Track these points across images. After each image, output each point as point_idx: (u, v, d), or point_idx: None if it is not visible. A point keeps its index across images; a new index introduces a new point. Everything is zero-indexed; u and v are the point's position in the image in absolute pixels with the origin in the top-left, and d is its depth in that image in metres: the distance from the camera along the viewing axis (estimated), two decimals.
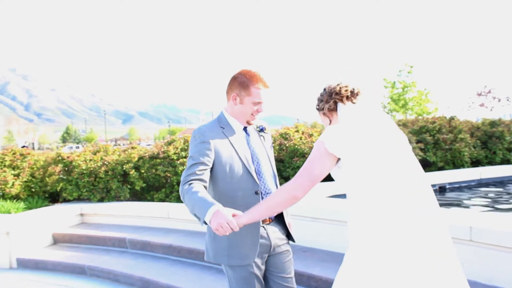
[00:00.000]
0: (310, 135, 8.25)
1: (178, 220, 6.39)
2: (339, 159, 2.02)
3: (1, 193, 7.59)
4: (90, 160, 7.89)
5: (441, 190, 8.07)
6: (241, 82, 2.57)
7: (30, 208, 7.33)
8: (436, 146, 9.18)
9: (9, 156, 7.94)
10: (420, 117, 11.89)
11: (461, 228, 3.70)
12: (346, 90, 2.15)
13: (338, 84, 2.19)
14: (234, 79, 2.61)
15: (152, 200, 7.77)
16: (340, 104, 2.15)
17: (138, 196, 8.10)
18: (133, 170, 7.71)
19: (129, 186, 7.83)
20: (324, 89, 2.25)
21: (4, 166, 7.79)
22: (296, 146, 7.70)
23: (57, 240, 6.65)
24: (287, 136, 8.15)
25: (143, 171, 7.84)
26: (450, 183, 8.24)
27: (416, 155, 8.07)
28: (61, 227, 6.81)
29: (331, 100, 2.18)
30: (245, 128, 2.68)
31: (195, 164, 2.46)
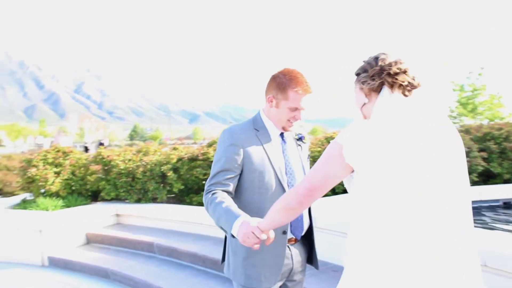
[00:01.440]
0: None
1: (210, 226, 6.11)
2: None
3: (42, 190, 7.67)
4: (129, 160, 7.80)
5: (506, 205, 7.27)
6: (279, 83, 2.24)
7: (68, 206, 7.34)
8: (502, 155, 8.29)
9: (52, 154, 8.01)
10: (485, 123, 10.91)
11: None
12: (403, 75, 1.59)
13: (396, 61, 1.62)
14: (273, 78, 2.28)
15: (191, 202, 7.54)
16: (385, 89, 1.60)
17: (177, 198, 7.92)
18: (171, 172, 7.52)
19: (167, 188, 7.67)
20: (376, 59, 1.66)
21: (47, 163, 7.86)
22: None
23: (90, 240, 6.58)
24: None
25: (182, 172, 7.64)
26: None
27: (477, 165, 7.36)
28: (95, 227, 6.74)
29: (378, 78, 1.61)
30: (281, 134, 2.33)
31: (222, 172, 2.18)
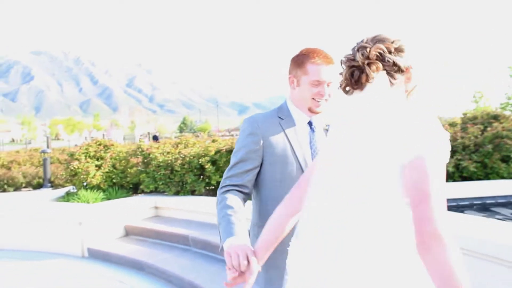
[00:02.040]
0: None
1: (245, 219, 6.01)
2: None
3: (84, 183, 7.83)
4: (168, 153, 7.83)
5: None
6: (297, 60, 2.08)
7: (108, 199, 7.46)
8: None
9: (93, 147, 8.18)
10: None
11: None
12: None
13: (345, 60, 1.43)
14: (292, 58, 2.12)
15: None
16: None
17: (215, 190, 7.87)
18: (209, 164, 7.48)
19: (206, 180, 7.64)
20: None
21: (89, 156, 8.03)
22: None
23: (129, 232, 6.65)
24: None
25: (220, 164, 7.59)
26: None
27: None
28: (134, 219, 6.80)
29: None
30: (310, 123, 2.12)
31: (239, 163, 2.02)
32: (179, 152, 7.85)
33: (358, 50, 1.39)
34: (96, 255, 6.04)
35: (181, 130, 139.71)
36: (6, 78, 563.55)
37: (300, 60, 2.05)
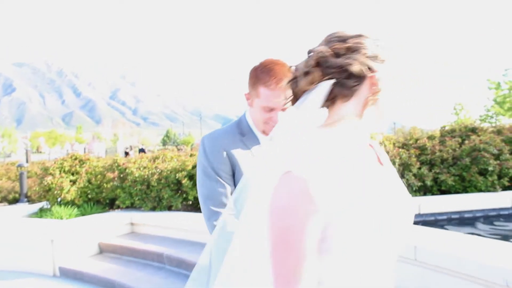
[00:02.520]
0: (380, 143, 7.34)
1: None
2: None
3: (59, 199, 7.65)
4: (145, 167, 7.70)
5: None
6: (251, 78, 1.89)
7: (83, 215, 7.29)
8: None
9: (68, 162, 8.01)
10: None
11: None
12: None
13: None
14: (250, 72, 1.91)
15: None
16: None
17: (193, 205, 7.76)
18: (186, 179, 7.37)
19: (183, 196, 7.52)
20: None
21: (63, 171, 7.86)
22: None
23: (103, 250, 6.48)
24: None
25: None
26: None
27: (508, 168, 6.90)
28: (109, 236, 6.63)
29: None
30: None
31: (213, 187, 1.81)
32: (155, 167, 7.73)
33: (308, 57, 1.13)
34: (67, 274, 5.86)
35: (164, 143, 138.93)
36: None
37: (253, 81, 1.86)
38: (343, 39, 1.11)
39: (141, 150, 32.73)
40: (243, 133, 1.92)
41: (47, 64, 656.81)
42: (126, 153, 30.17)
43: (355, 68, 1.07)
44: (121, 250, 6.28)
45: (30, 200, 13.76)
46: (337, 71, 1.07)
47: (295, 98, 1.15)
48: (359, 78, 1.09)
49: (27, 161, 25.05)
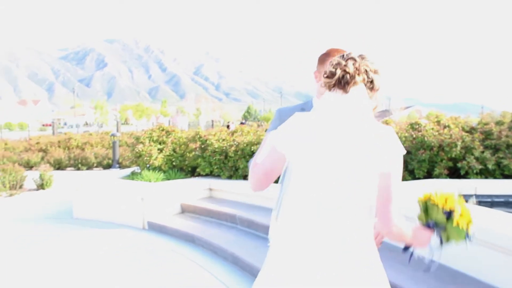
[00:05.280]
0: (446, 127, 7.57)
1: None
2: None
3: (147, 164, 8.67)
4: (223, 140, 8.49)
5: None
6: (321, 57, 2.31)
7: (168, 179, 8.25)
8: None
9: (156, 132, 9.00)
10: None
11: None
12: (329, 76, 1.73)
13: (336, 61, 1.74)
14: (320, 55, 2.34)
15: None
16: (326, 90, 1.76)
17: None
18: None
19: None
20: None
21: (152, 140, 8.85)
22: (425, 138, 7.17)
23: (184, 210, 7.39)
24: (417, 126, 7.63)
25: None
26: None
27: None
28: (190, 199, 7.52)
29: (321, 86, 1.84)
30: None
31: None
32: (233, 139, 8.49)
33: (348, 60, 1.71)
34: (154, 228, 6.81)
35: (245, 118, 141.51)
36: (82, 64, 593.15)
37: (322, 58, 2.29)
38: (372, 62, 1.76)
39: (242, 123, 34.35)
40: (304, 109, 2.35)
41: (135, 41, 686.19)
42: (228, 126, 31.81)
43: (377, 84, 1.75)
44: (200, 211, 7.14)
45: (121, 166, 15.25)
46: (370, 81, 1.73)
47: (343, 84, 1.72)
48: (373, 90, 1.75)
49: (116, 131, 27.02)
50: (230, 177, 8.26)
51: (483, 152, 6.95)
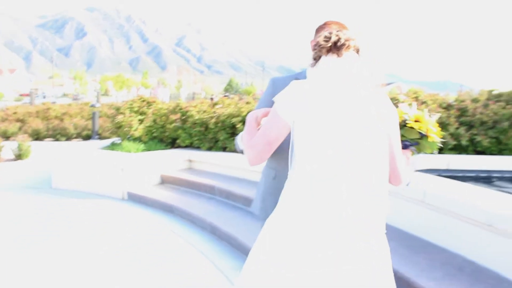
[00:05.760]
0: (423, 103, 7.69)
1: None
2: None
3: (127, 135, 8.66)
4: (204, 111, 8.50)
5: None
6: (317, 28, 2.36)
7: (148, 150, 8.26)
8: None
9: (137, 103, 8.96)
10: None
11: None
12: (326, 40, 1.82)
13: (325, 35, 1.85)
14: (318, 26, 2.39)
15: None
16: (322, 57, 1.84)
17: None
18: (241, 124, 8.10)
19: None
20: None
21: (133, 111, 8.82)
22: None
23: (164, 181, 7.44)
24: (394, 102, 7.72)
25: None
26: None
27: None
28: (170, 170, 7.56)
29: (316, 53, 1.88)
30: None
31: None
32: (214, 111, 8.51)
33: (340, 30, 1.86)
34: (134, 198, 6.86)
35: (226, 91, 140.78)
36: (61, 33, 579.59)
37: (319, 28, 2.34)
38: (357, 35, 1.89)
39: (226, 96, 34.52)
40: (298, 79, 2.25)
41: (116, 10, 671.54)
42: (211, 99, 31.91)
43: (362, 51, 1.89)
44: (179, 182, 7.20)
45: (101, 137, 15.17)
46: (358, 49, 1.86)
47: (337, 48, 1.83)
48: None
49: (96, 102, 26.65)
50: (210, 149, 8.31)
51: (457, 128, 7.12)
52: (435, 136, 2.11)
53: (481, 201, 3.65)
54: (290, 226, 1.70)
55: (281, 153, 2.09)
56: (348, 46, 1.81)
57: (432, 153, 2.12)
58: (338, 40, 1.81)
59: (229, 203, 6.17)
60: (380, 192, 1.70)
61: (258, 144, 1.82)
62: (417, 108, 2.17)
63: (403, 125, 2.08)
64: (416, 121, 2.12)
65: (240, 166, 7.11)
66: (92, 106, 15.14)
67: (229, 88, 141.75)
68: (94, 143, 12.86)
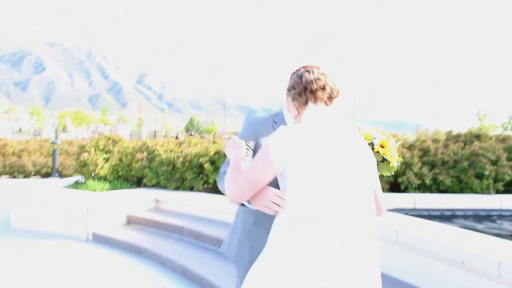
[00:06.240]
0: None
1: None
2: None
3: (93, 174, 8.48)
4: (171, 151, 8.46)
5: None
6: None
7: (113, 189, 8.10)
8: None
9: (102, 141, 8.84)
10: None
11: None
12: (322, 91, 1.90)
13: (315, 79, 1.92)
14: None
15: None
16: (310, 103, 1.92)
17: (213, 188, 8.49)
18: (208, 164, 8.10)
19: (204, 179, 8.26)
20: (301, 77, 1.98)
21: (98, 149, 8.68)
22: None
23: (130, 221, 7.29)
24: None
25: (218, 165, 8.21)
26: None
27: (504, 174, 7.42)
28: (136, 210, 7.43)
29: (304, 96, 1.93)
30: None
31: None
32: (181, 151, 8.49)
33: (325, 76, 1.96)
34: (99, 240, 6.67)
35: (187, 130, 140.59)
36: (18, 67, 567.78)
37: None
38: (315, 79, 1.97)
39: (191, 135, 34.42)
40: (276, 120, 2.42)
41: (77, 46, 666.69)
42: (177, 137, 31.77)
43: (324, 97, 1.97)
44: (146, 222, 7.07)
45: (61, 175, 14.76)
46: (314, 97, 1.95)
47: (331, 98, 1.98)
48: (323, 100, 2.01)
49: (56, 139, 26.08)
50: (177, 188, 8.24)
51: (421, 168, 7.38)
52: (395, 162, 2.31)
53: (454, 240, 3.77)
54: (283, 261, 1.75)
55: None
56: (337, 94, 1.94)
57: (387, 175, 2.35)
58: (332, 91, 1.92)
59: (199, 244, 6.09)
60: (371, 225, 1.80)
61: (244, 183, 1.87)
62: (382, 133, 2.39)
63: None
64: (381, 146, 2.31)
65: (208, 207, 7.07)
66: (53, 143, 14.74)
67: (190, 127, 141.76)
68: (55, 181, 12.46)
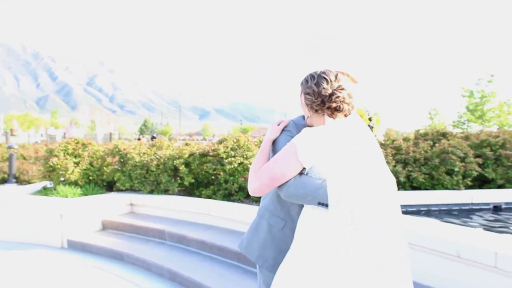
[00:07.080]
0: None
1: (217, 217, 6.58)
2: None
3: (62, 179, 8.19)
4: (144, 153, 8.30)
5: (495, 209, 7.64)
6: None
7: (85, 194, 7.85)
8: (497, 162, 8.64)
9: (72, 145, 8.55)
10: (485, 131, 11.24)
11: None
12: (342, 108, 1.99)
13: (334, 93, 1.98)
14: None
15: (200, 195, 7.99)
16: (327, 117, 2.01)
17: (187, 191, 8.39)
18: (183, 166, 8.00)
19: (179, 181, 8.15)
20: (318, 86, 2.02)
21: (67, 154, 8.39)
22: None
23: (106, 227, 7.09)
24: None
25: (193, 167, 8.12)
26: (507, 203, 7.74)
27: (472, 170, 7.74)
28: (111, 215, 7.24)
29: (321, 110, 2.02)
30: None
31: None
32: (154, 153, 8.34)
33: (347, 91, 2.04)
34: (75, 247, 6.45)
35: (141, 132, 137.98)
36: None
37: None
38: (333, 94, 2.06)
39: (153, 138, 33.69)
40: (297, 123, 2.40)
41: (22, 46, 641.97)
42: (139, 139, 31.14)
43: (343, 113, 2.13)
44: (124, 227, 6.90)
45: (19, 181, 14.13)
46: (332, 113, 2.07)
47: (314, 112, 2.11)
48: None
49: (6, 143, 25.03)
50: (151, 192, 8.07)
51: (395, 166, 7.59)
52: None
53: (449, 234, 3.90)
54: (314, 256, 1.89)
55: (294, 204, 2.22)
56: (353, 108, 2.06)
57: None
58: (348, 110, 2.04)
59: (182, 247, 6.00)
60: (396, 221, 1.99)
61: (262, 176, 1.99)
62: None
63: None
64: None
65: (186, 209, 7.00)
66: (10, 147, 14.14)
67: (144, 129, 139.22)
68: (13, 188, 11.92)
